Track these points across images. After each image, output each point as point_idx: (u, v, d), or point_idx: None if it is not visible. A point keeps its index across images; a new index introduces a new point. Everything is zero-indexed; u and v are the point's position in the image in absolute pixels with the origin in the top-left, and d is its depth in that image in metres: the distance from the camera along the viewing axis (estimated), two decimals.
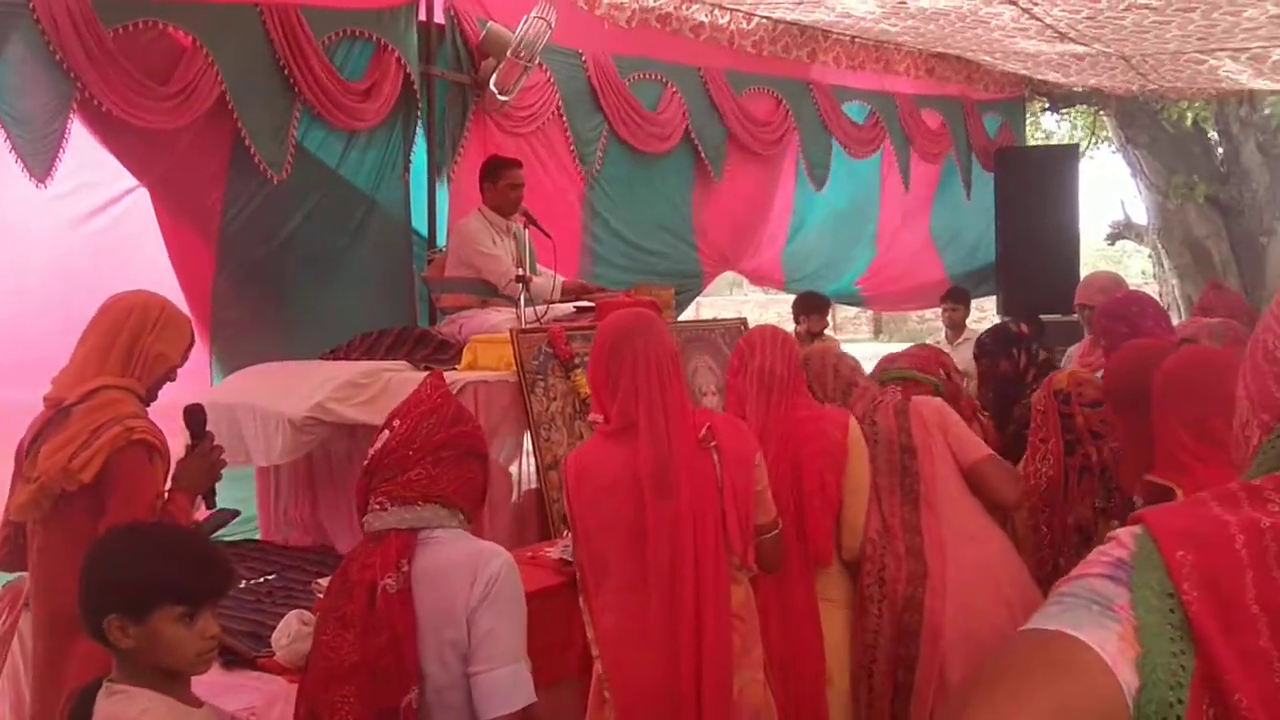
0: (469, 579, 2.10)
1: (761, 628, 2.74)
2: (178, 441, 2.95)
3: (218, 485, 3.04)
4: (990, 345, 4.17)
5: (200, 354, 4.75)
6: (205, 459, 2.93)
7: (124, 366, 2.81)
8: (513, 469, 4.10)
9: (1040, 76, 8.44)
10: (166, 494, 2.82)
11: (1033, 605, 2.86)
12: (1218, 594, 0.89)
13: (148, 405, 2.86)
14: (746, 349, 3.10)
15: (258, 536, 4.61)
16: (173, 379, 2.94)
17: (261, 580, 3.91)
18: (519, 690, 2.11)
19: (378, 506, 2.17)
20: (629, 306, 4.59)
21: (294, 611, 3.06)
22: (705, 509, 2.55)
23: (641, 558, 2.55)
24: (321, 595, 3.11)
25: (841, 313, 20.67)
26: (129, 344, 2.83)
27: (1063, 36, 6.59)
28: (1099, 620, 0.91)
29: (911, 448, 3.07)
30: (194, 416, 2.97)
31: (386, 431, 2.18)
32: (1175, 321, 7.54)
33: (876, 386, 3.40)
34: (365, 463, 2.20)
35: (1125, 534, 0.97)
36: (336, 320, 5.05)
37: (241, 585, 3.86)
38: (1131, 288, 4.47)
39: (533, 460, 4.07)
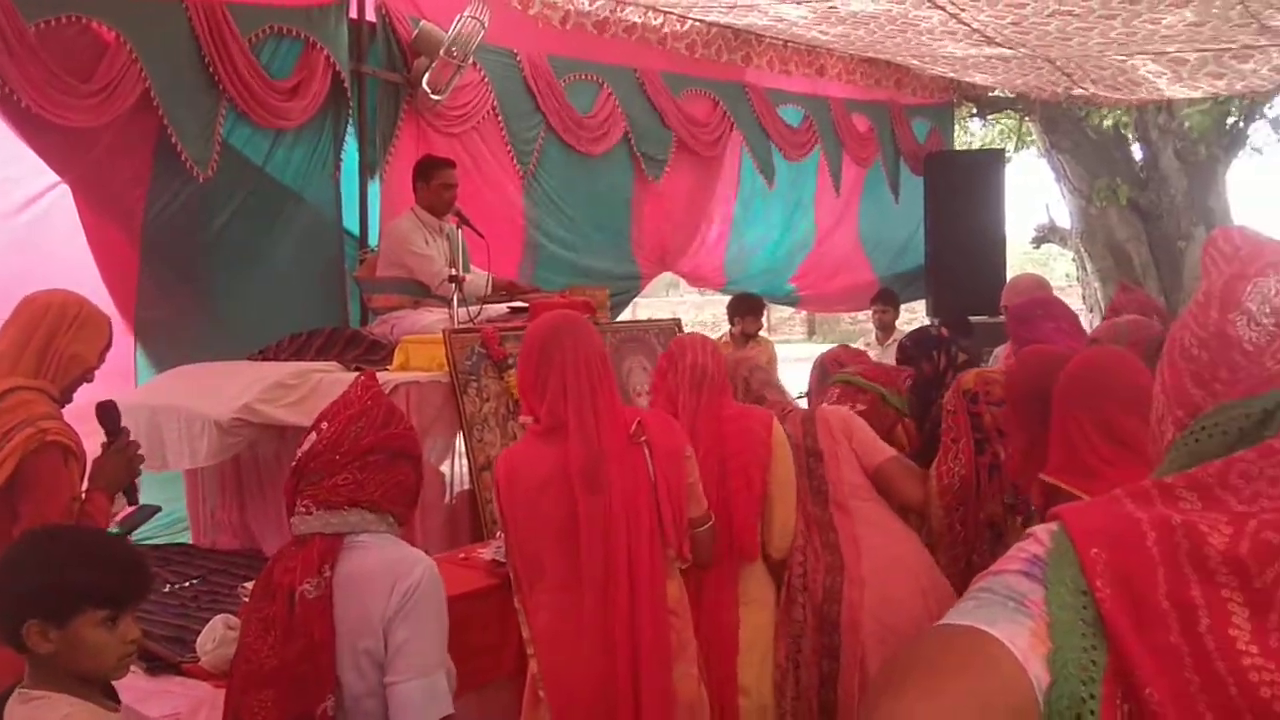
0: (387, 587, 2.06)
1: None
2: (94, 443, 2.88)
3: (138, 482, 2.97)
4: (911, 348, 4.23)
5: (125, 354, 4.67)
6: (122, 455, 2.86)
7: (37, 367, 2.74)
8: (445, 470, 4.07)
9: (968, 79, 8.58)
10: (84, 494, 2.76)
11: (945, 595, 2.93)
12: (1130, 590, 0.91)
13: (62, 407, 2.79)
14: (677, 350, 3.14)
15: (189, 540, 4.53)
16: (90, 380, 2.87)
17: (187, 584, 3.84)
18: (435, 702, 2.07)
19: (303, 510, 2.13)
20: (560, 308, 4.61)
21: (219, 616, 3.00)
22: (638, 505, 2.57)
23: (574, 556, 2.55)
24: (247, 600, 3.07)
25: (776, 314, 20.83)
26: (43, 344, 2.76)
27: (989, 40, 6.71)
28: (1012, 616, 0.92)
29: (817, 452, 3.16)
30: (107, 413, 2.89)
31: (314, 434, 2.15)
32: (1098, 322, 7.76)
33: (786, 399, 3.53)
34: (293, 464, 2.16)
35: (1042, 531, 0.99)
36: (266, 321, 4.98)
37: (166, 590, 3.80)
38: (1054, 290, 4.54)
39: (465, 461, 4.05)
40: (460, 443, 4.05)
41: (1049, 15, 5.97)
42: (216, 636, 2.94)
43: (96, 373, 2.91)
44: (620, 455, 2.59)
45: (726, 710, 2.94)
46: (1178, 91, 8.04)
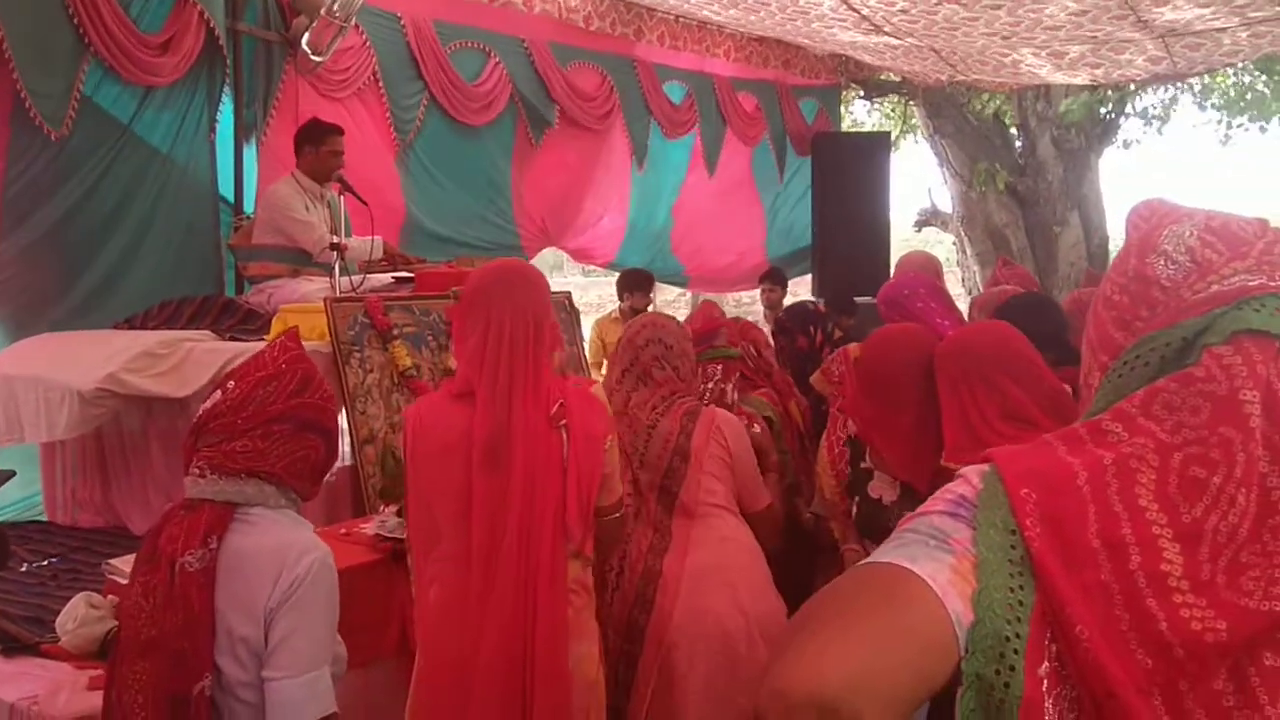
0: (273, 575, 1.91)
1: None
2: None
3: None
4: (789, 323, 4.25)
5: None
6: None
7: None
8: None
9: (856, 58, 8.67)
10: None
11: (770, 617, 2.84)
12: (1060, 530, 0.89)
13: None
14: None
15: (44, 517, 4.28)
16: None
17: (45, 563, 3.63)
18: (315, 700, 1.92)
19: (196, 472, 1.97)
20: (446, 278, 4.49)
21: (81, 595, 2.84)
22: (545, 486, 2.41)
23: (466, 531, 2.43)
24: (113, 577, 2.91)
25: (662, 295, 20.87)
26: None
27: (878, 29, 6.77)
28: (933, 554, 0.91)
29: (685, 452, 2.96)
30: None
31: (220, 391, 1.99)
32: None
33: (678, 380, 3.23)
34: (194, 419, 2.00)
35: (973, 472, 0.97)
36: (136, 289, 4.75)
37: (24, 569, 3.59)
38: (933, 271, 4.57)
39: (347, 435, 3.91)
40: (342, 417, 3.92)
41: (936, 4, 6.05)
42: (78, 615, 2.78)
43: None
44: (532, 434, 2.41)
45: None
46: (1058, 78, 8.27)
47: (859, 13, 6.36)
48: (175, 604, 1.89)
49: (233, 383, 1.99)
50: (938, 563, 0.90)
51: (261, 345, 3.80)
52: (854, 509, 2.88)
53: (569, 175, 7.26)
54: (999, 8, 6.12)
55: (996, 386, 2.30)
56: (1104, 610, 0.87)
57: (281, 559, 1.92)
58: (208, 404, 2.00)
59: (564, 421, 2.45)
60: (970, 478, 0.97)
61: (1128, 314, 1.04)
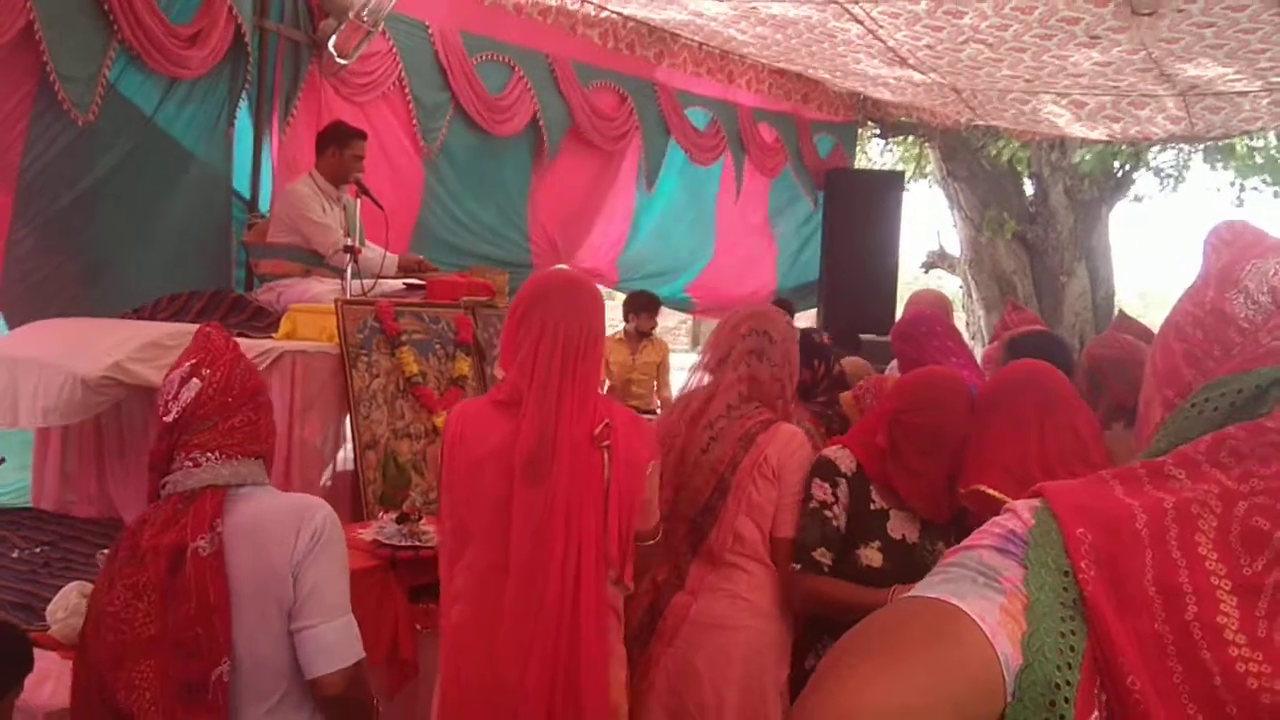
0: (293, 531, 1.96)
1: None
2: None
3: None
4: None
5: None
6: None
7: None
8: (328, 447, 3.90)
9: (876, 95, 8.68)
10: None
11: (757, 695, 2.69)
12: (1115, 573, 0.86)
13: None
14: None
15: (29, 503, 4.24)
16: None
17: (37, 550, 3.58)
18: (350, 644, 1.99)
19: (190, 463, 1.99)
20: (460, 288, 4.47)
21: (73, 583, 2.82)
22: (585, 507, 2.34)
23: (503, 543, 2.35)
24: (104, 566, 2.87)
25: (662, 323, 20.84)
26: None
27: (903, 61, 6.78)
28: (982, 592, 0.87)
29: (726, 487, 2.75)
30: None
31: (196, 380, 2.00)
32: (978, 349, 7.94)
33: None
34: (169, 419, 2.00)
35: (1023, 506, 0.93)
36: (146, 281, 4.72)
37: (14, 555, 3.55)
38: (944, 309, 4.56)
39: (350, 439, 3.88)
40: (345, 421, 3.89)
41: (963, 41, 6.06)
42: (69, 605, 2.75)
43: None
44: (576, 451, 2.34)
45: None
46: (1076, 130, 8.27)
47: (884, 43, 6.36)
48: (184, 594, 1.90)
49: (207, 369, 2.01)
50: (988, 601, 0.86)
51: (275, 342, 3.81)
52: (872, 556, 2.71)
53: (583, 194, 7.26)
54: (1023, 51, 6.13)
55: (1064, 425, 2.33)
56: (1157, 660, 0.83)
57: (299, 515, 1.99)
58: (186, 397, 1.99)
59: (607, 442, 2.37)
60: (1021, 513, 0.93)
61: (1200, 350, 1.00)
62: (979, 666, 0.84)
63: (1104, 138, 8.59)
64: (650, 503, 2.51)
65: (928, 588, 0.90)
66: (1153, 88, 6.73)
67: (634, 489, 2.41)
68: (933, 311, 4.12)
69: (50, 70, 4.30)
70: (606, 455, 2.38)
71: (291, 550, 1.95)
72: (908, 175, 11.36)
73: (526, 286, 2.51)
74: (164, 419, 2.01)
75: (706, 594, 2.76)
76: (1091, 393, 3.07)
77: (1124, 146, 10.28)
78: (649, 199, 7.75)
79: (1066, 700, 0.84)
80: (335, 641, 1.96)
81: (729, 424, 2.79)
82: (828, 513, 2.69)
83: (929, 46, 6.28)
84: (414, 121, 5.90)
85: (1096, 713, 0.85)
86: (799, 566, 2.70)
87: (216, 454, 1.98)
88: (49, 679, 2.51)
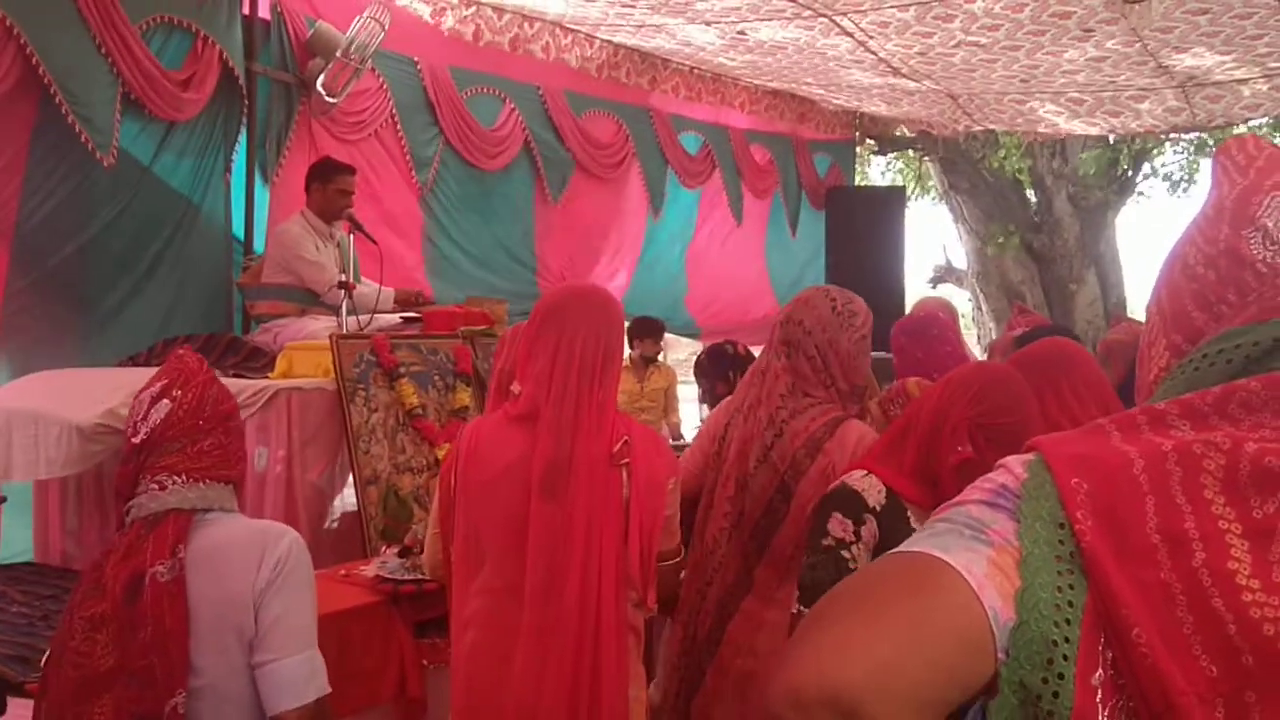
0: (255, 559, 1.88)
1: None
2: None
3: None
4: (708, 365, 4.15)
5: None
6: None
7: None
8: (328, 486, 3.84)
9: (872, 108, 8.66)
10: None
11: None
12: (1114, 523, 0.80)
13: None
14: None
15: (31, 559, 4.18)
16: None
17: (37, 604, 3.52)
18: (312, 680, 1.89)
19: (155, 486, 1.91)
20: (458, 318, 4.42)
21: None
22: (604, 525, 2.27)
23: (521, 562, 2.28)
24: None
25: (673, 354, 20.76)
26: None
27: (895, 71, 6.76)
28: (969, 544, 0.81)
29: (789, 493, 2.55)
30: None
31: (166, 401, 1.93)
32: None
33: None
34: (136, 440, 1.93)
35: (1015, 461, 0.87)
36: (146, 329, 4.70)
37: (14, 610, 3.48)
38: (950, 314, 4.50)
39: (350, 475, 3.82)
40: (345, 457, 3.83)
41: (955, 45, 6.03)
42: None
43: None
44: (594, 468, 2.27)
45: None
46: (1076, 127, 8.23)
47: (876, 54, 6.33)
48: (140, 622, 1.82)
49: (178, 391, 1.95)
50: (974, 554, 0.80)
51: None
52: None
53: (587, 223, 7.23)
54: (1017, 49, 6.08)
55: (1080, 398, 2.31)
56: (1165, 612, 0.77)
57: (262, 543, 1.91)
58: (156, 418, 1.93)
59: (626, 460, 2.30)
60: (1012, 466, 0.87)
61: (1212, 293, 0.93)
62: (964, 620, 0.78)
63: (1104, 132, 8.53)
64: (672, 520, 2.42)
65: (911, 543, 0.84)
66: (1150, 80, 6.68)
67: (656, 507, 2.32)
68: (945, 316, 4.05)
69: (64, 115, 4.31)
70: (625, 473, 2.30)
71: (254, 580, 1.87)
72: (909, 192, 11.33)
73: (544, 298, 2.45)
74: (131, 440, 1.94)
75: (775, 601, 2.57)
76: None
77: (1126, 148, 10.23)
78: (654, 226, 7.72)
79: (1066, 658, 0.78)
80: (296, 677, 1.87)
81: (791, 419, 2.58)
82: (845, 553, 2.28)
83: (921, 54, 6.25)
84: (408, 159, 5.88)
85: (1100, 671, 0.78)
86: (802, 609, 2.33)
87: (184, 477, 1.91)
88: None
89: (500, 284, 6.45)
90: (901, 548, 0.84)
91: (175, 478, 1.91)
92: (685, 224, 8.09)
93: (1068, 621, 0.78)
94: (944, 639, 0.77)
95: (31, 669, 2.79)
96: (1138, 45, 5.84)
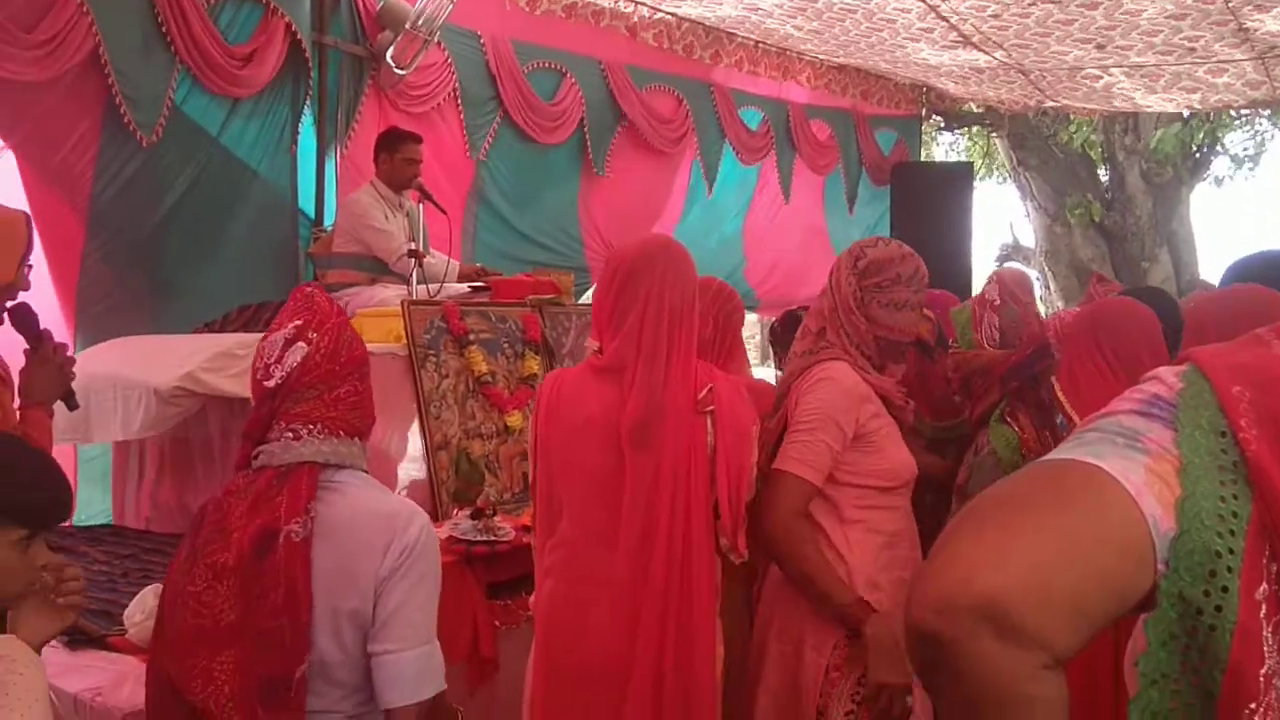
0: (383, 542, 1.79)
1: None
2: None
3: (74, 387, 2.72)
4: (782, 333, 4.09)
5: (63, 333, 4.42)
6: (50, 362, 2.58)
7: None
8: (398, 449, 3.86)
9: (940, 85, 8.50)
10: (19, 412, 2.52)
11: None
12: None
13: None
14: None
15: (111, 521, 4.27)
16: (12, 297, 2.63)
17: (117, 563, 3.59)
18: (429, 676, 1.81)
19: (290, 435, 1.81)
20: (526, 289, 4.41)
21: (150, 587, 2.79)
22: (691, 472, 2.27)
23: (603, 512, 2.29)
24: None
25: None
26: None
27: (966, 40, 6.62)
28: (1123, 452, 0.77)
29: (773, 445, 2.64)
30: (24, 318, 2.62)
31: (302, 344, 1.83)
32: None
33: None
34: (270, 384, 1.84)
35: (1167, 372, 0.83)
36: (215, 299, 4.74)
37: (95, 568, 3.55)
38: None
39: (420, 441, 3.84)
40: (416, 422, 3.85)
41: (1029, 5, 5.86)
42: (146, 608, 2.72)
43: None
44: (680, 416, 2.28)
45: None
46: (1151, 103, 8.01)
47: (948, 21, 6.20)
48: (271, 580, 1.75)
49: (314, 333, 1.84)
50: (1130, 461, 0.76)
51: None
52: None
53: (638, 197, 7.19)
54: (1095, 7, 5.90)
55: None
56: None
57: (391, 526, 1.81)
58: (292, 361, 1.83)
59: (711, 407, 2.31)
60: (1164, 377, 0.83)
61: None
62: (1123, 527, 0.74)
63: (1180, 109, 8.30)
64: (753, 470, 2.40)
65: (1060, 453, 0.80)
66: (1230, 52, 6.47)
67: (742, 454, 2.32)
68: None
69: (117, 94, 4.37)
70: (710, 421, 2.31)
71: (379, 565, 1.78)
72: (977, 166, 11.15)
73: (623, 253, 2.44)
74: (264, 384, 1.84)
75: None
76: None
77: (1200, 124, 9.97)
78: (707, 200, 7.67)
79: (1230, 570, 0.74)
80: (414, 672, 1.79)
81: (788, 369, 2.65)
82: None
83: (994, 16, 6.09)
84: (464, 132, 5.90)
85: (1265, 585, 0.74)
86: None
87: (319, 427, 1.82)
88: (127, 680, 2.49)
89: (547, 257, 6.44)
90: (1049, 457, 0.80)
91: (310, 426, 1.82)
92: (741, 198, 8.02)
93: (1231, 533, 0.74)
94: (1103, 546, 0.74)
95: (113, 623, 2.84)
96: (1219, 1, 5.64)
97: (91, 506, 4.47)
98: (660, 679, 2.23)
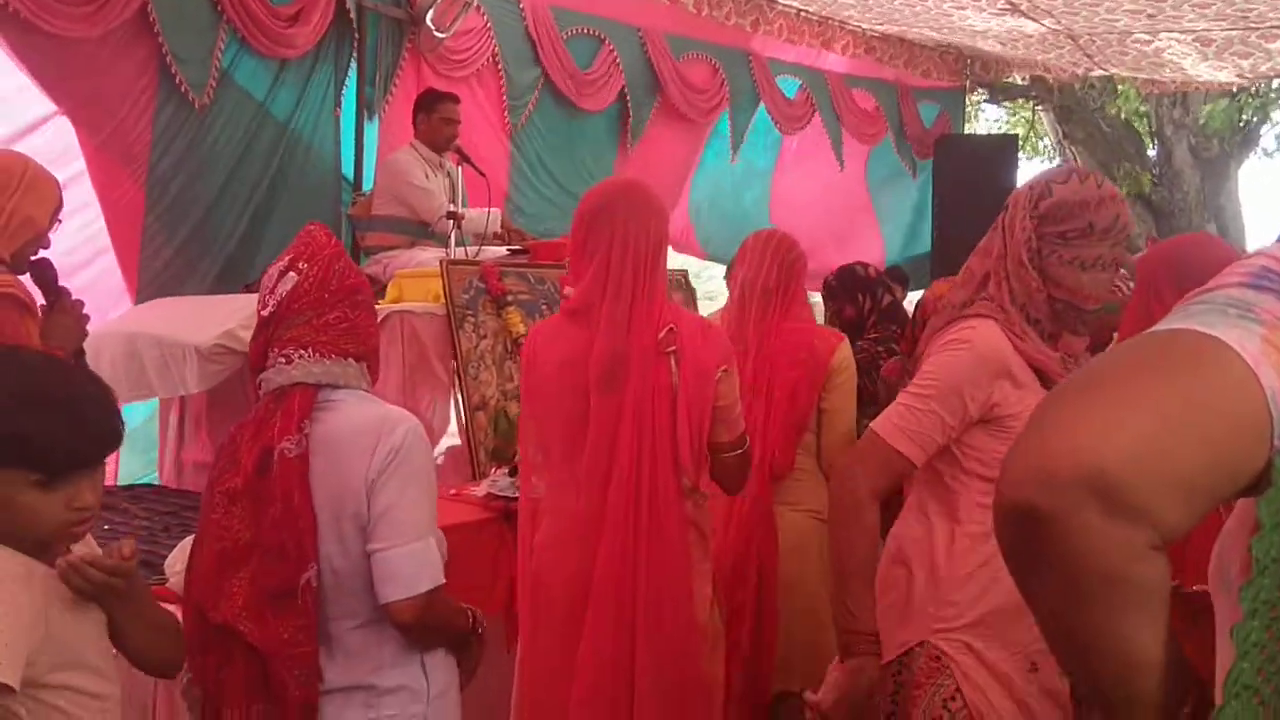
0: (369, 446, 1.85)
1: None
2: None
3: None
4: (837, 288, 4.01)
5: (126, 302, 4.49)
6: (69, 314, 2.69)
7: None
8: (436, 409, 3.86)
9: (985, 49, 8.34)
10: None
11: None
12: None
13: (18, 274, 2.65)
14: (737, 257, 3.01)
15: (156, 480, 4.30)
16: (45, 246, 2.73)
17: (158, 518, 3.61)
18: (424, 570, 1.84)
19: (283, 360, 1.89)
20: (567, 243, 4.39)
21: (190, 536, 2.79)
22: (655, 411, 2.31)
23: (576, 455, 2.35)
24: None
25: None
26: None
27: (1014, 8, 6.49)
28: (1236, 322, 0.72)
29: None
30: (43, 272, 2.74)
31: (293, 274, 1.91)
32: None
33: None
34: (264, 313, 1.93)
35: (1275, 246, 0.79)
36: (262, 261, 4.78)
37: (136, 523, 3.58)
38: None
39: (459, 401, 3.83)
40: (454, 383, 3.84)
41: None
42: (186, 557, 2.73)
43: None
44: (644, 357, 2.32)
45: (767, 612, 2.80)
46: (1202, 71, 7.83)
47: None
48: (271, 496, 1.82)
49: (304, 264, 1.91)
50: (1245, 330, 0.72)
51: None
52: None
53: (672, 166, 7.14)
54: None
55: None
56: None
57: (377, 430, 1.87)
58: (282, 290, 1.90)
59: (672, 348, 2.33)
60: (1272, 250, 0.78)
61: None
62: (1239, 398, 0.70)
63: (1233, 78, 8.10)
64: (728, 410, 2.41)
65: (1168, 324, 0.75)
66: None
67: (703, 394, 2.35)
68: None
69: (167, 53, 4.39)
70: (674, 361, 2.33)
71: (368, 466, 1.84)
72: (1022, 139, 10.97)
73: (589, 197, 2.48)
74: (260, 313, 1.94)
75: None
76: None
77: (1250, 99, 9.76)
78: (741, 169, 7.62)
79: None
80: (406, 567, 1.83)
81: None
82: None
83: None
84: (503, 99, 5.89)
85: None
86: None
87: (310, 351, 1.88)
88: None
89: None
90: (1158, 328, 0.76)
91: (301, 351, 1.88)
92: (767, 167, 7.95)
93: None
94: (1217, 417, 0.69)
95: (154, 573, 2.86)
96: None
97: (131, 469, 4.51)
98: (629, 619, 2.28)
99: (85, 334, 2.75)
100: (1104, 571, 0.69)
